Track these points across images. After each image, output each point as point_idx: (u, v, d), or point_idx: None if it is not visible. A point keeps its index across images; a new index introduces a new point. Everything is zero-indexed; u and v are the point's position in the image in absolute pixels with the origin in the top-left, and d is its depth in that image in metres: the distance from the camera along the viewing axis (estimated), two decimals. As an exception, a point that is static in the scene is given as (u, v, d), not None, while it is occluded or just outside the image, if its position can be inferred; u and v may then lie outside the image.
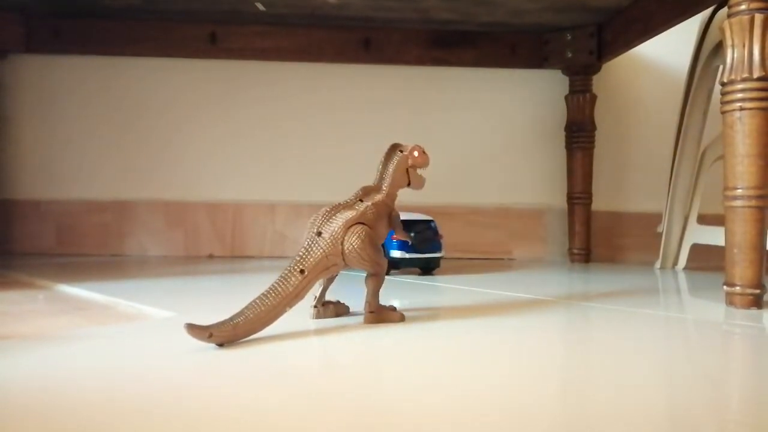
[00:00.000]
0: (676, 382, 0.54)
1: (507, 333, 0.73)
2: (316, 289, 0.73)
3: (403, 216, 0.99)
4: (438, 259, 1.17)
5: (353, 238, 0.67)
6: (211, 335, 0.59)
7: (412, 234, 1.10)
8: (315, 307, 0.74)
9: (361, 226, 0.68)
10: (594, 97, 1.49)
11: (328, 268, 0.68)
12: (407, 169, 0.73)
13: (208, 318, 0.61)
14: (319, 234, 0.67)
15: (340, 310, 0.76)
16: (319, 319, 0.73)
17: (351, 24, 1.46)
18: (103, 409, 0.44)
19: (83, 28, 1.45)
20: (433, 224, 1.17)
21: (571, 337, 0.72)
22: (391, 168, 0.72)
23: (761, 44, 0.84)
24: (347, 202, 0.70)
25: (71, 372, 0.53)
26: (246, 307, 0.62)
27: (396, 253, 1.13)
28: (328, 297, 0.76)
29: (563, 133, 1.54)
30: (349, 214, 0.68)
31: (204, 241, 1.51)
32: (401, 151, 0.73)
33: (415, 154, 0.73)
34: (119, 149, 1.52)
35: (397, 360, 0.60)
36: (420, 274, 1.18)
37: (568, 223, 1.53)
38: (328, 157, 1.54)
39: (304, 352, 0.62)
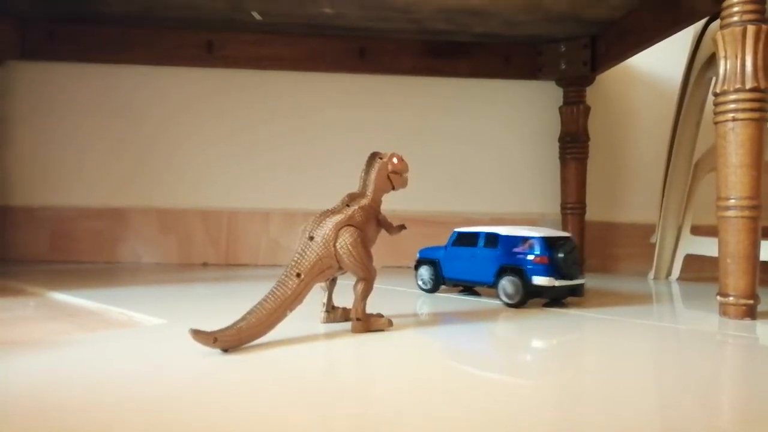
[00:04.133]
0: (669, 392, 0.54)
1: (502, 341, 0.73)
2: (323, 296, 0.77)
3: (541, 233, 0.92)
4: (583, 286, 0.96)
5: (345, 236, 0.69)
6: (215, 340, 0.60)
7: (560, 255, 0.90)
8: (325, 312, 0.77)
9: (351, 227, 0.70)
10: (588, 108, 1.50)
11: (324, 271, 0.69)
12: (388, 175, 0.76)
13: (201, 325, 0.61)
14: (311, 238, 0.69)
15: (348, 314, 0.77)
16: (328, 324, 0.76)
17: (346, 33, 1.47)
18: (93, 414, 0.44)
19: (79, 34, 1.45)
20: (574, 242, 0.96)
21: (564, 347, 0.72)
22: (373, 175, 0.75)
23: (753, 55, 0.85)
24: (335, 207, 0.73)
25: (60, 378, 0.53)
26: (248, 312, 0.63)
27: (540, 280, 0.89)
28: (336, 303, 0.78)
29: (557, 144, 1.54)
30: (338, 218, 0.70)
31: (197, 248, 1.51)
32: (380, 159, 0.76)
33: (394, 160, 0.76)
34: (113, 156, 1.52)
35: (400, 367, 0.59)
36: (546, 305, 0.94)
37: (562, 234, 1.53)
38: (322, 165, 1.54)
39: (309, 358, 0.62)
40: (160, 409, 0.45)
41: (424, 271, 1.06)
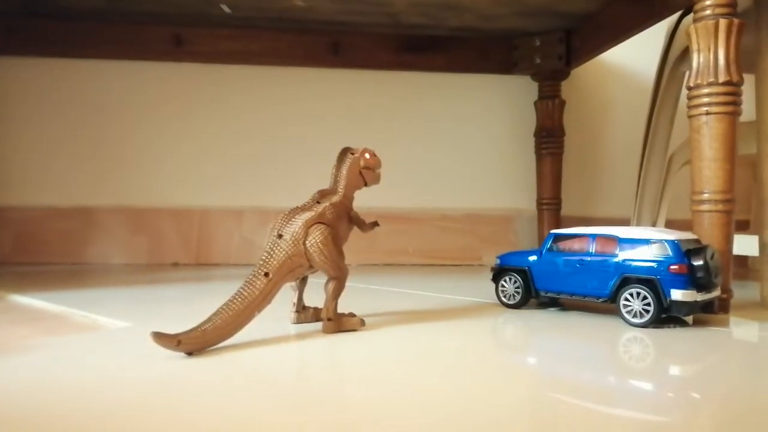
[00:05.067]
0: (643, 387, 0.53)
1: (473, 338, 0.71)
2: (293, 295, 0.75)
3: (670, 235, 0.78)
4: (716, 299, 0.81)
5: (315, 234, 0.67)
6: (179, 343, 0.58)
7: (701, 263, 0.74)
8: (296, 312, 0.75)
9: (321, 224, 0.68)
10: (563, 103, 1.50)
11: (293, 270, 0.67)
12: (360, 171, 0.74)
13: (167, 328, 0.58)
14: (279, 236, 0.67)
15: (319, 314, 0.75)
16: (299, 324, 0.74)
17: (320, 28, 1.45)
18: (51, 422, 0.42)
19: (41, 28, 1.40)
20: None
21: (533, 343, 0.71)
22: (344, 171, 0.74)
23: (726, 49, 0.84)
24: (305, 204, 0.71)
25: (20, 383, 0.51)
26: (213, 314, 0.61)
27: (680, 294, 0.74)
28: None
29: (533, 139, 1.54)
30: (308, 215, 0.69)
31: (168, 248, 1.47)
32: (352, 154, 0.75)
33: (367, 156, 0.75)
34: (80, 154, 1.48)
35: (370, 367, 0.58)
36: (658, 324, 0.77)
37: (537, 229, 1.53)
38: (296, 162, 1.52)
39: (279, 360, 0.60)
40: (119, 416, 0.43)
41: (509, 282, 0.90)
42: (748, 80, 0.88)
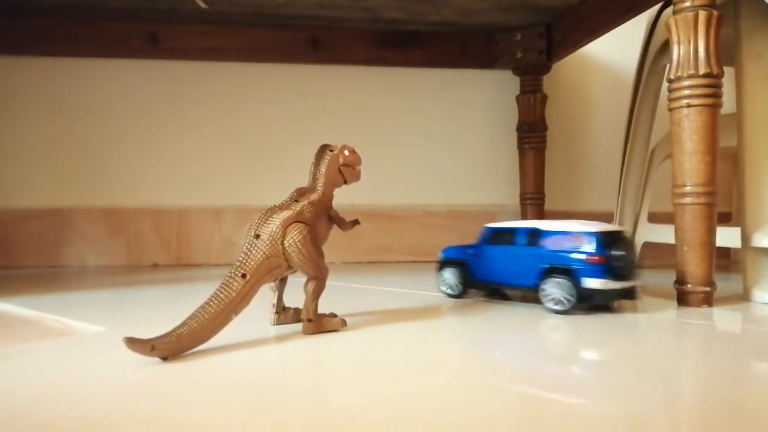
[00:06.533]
0: (628, 381, 0.53)
1: (457, 337, 0.70)
2: (273, 296, 0.73)
3: (592, 227, 0.80)
4: (636, 287, 0.84)
5: (293, 233, 0.66)
6: (153, 348, 0.56)
7: (616, 253, 0.78)
8: (275, 313, 0.73)
9: (300, 224, 0.67)
10: (545, 97, 1.49)
11: (272, 271, 0.65)
12: (339, 168, 0.73)
13: (143, 332, 0.57)
14: (257, 236, 0.65)
15: (299, 315, 0.73)
16: (279, 325, 0.73)
17: (298, 23, 1.43)
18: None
19: (11, 26, 1.37)
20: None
21: (519, 341, 0.70)
22: (323, 168, 0.72)
23: (706, 41, 0.84)
24: (283, 203, 0.69)
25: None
26: (189, 317, 0.59)
27: (594, 282, 0.78)
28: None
29: (515, 134, 1.53)
30: (286, 214, 0.67)
31: (147, 249, 1.45)
32: (331, 151, 0.73)
33: (346, 153, 0.73)
34: (55, 154, 1.44)
35: (351, 370, 0.56)
36: (582, 310, 0.82)
37: (521, 224, 1.52)
38: (276, 160, 1.50)
39: (258, 363, 0.59)
40: (89, 426, 0.41)
41: (450, 274, 0.94)
42: (728, 73, 0.88)
